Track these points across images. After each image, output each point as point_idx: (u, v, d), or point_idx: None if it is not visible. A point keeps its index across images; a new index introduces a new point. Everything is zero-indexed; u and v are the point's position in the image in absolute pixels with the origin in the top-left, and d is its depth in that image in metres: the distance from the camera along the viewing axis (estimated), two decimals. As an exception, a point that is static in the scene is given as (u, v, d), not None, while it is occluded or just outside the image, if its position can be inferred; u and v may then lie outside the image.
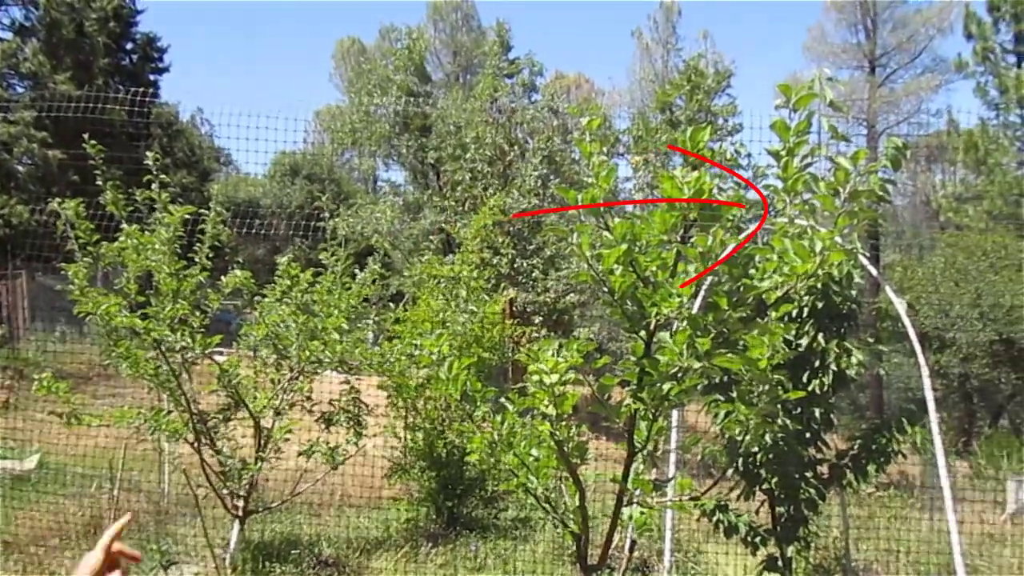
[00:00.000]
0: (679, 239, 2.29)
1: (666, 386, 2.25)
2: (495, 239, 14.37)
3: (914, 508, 8.99)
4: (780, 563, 5.70)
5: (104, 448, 8.01)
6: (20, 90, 23.51)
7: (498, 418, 2.60)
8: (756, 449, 5.43)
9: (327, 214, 7.31)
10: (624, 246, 2.26)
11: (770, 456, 5.27)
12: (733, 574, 6.39)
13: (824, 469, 5.63)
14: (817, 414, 5.34)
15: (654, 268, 2.32)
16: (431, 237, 9.39)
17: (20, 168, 22.30)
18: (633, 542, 2.64)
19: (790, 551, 5.65)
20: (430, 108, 23.43)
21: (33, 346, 16.10)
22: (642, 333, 2.32)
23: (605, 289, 2.31)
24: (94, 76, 23.36)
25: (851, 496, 8.33)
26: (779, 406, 5.34)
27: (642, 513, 2.44)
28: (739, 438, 5.37)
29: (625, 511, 2.49)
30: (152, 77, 26.80)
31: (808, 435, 5.43)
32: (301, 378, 6.56)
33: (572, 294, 17.98)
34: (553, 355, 2.14)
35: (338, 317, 6.27)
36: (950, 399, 18.15)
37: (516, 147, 21.06)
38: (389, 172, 35.32)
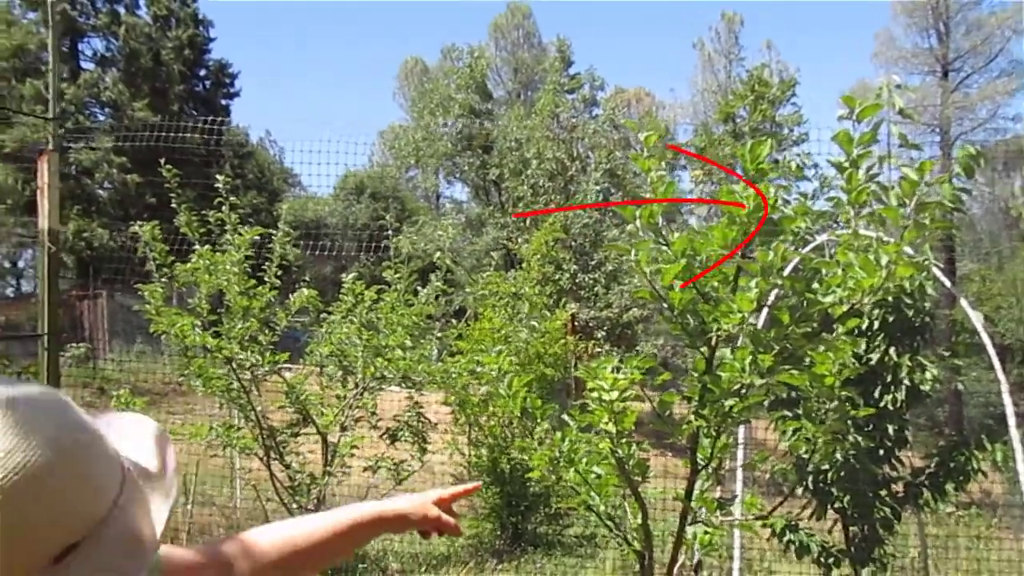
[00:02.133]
0: (740, 254, 2.26)
1: (728, 403, 2.21)
2: (556, 254, 14.37)
3: (998, 528, 8.59)
4: (854, 585, 5.52)
5: (178, 463, 8.26)
6: (101, 118, 24.60)
7: (559, 435, 2.60)
8: (827, 467, 5.29)
9: (390, 231, 7.41)
10: (683, 261, 2.25)
11: (841, 474, 5.13)
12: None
13: (899, 487, 5.45)
14: (890, 431, 5.17)
15: (715, 283, 2.30)
16: (492, 253, 9.44)
17: (101, 192, 23.32)
18: (699, 562, 2.59)
19: (865, 573, 5.47)
20: (491, 126, 23.66)
21: (113, 364, 16.72)
22: (703, 349, 2.30)
23: (665, 305, 2.29)
24: (170, 102, 24.33)
25: (929, 516, 8.02)
26: (849, 423, 5.19)
27: (707, 532, 2.40)
28: (807, 456, 5.25)
29: (689, 530, 2.45)
30: (224, 102, 27.76)
31: (881, 452, 5.27)
32: (366, 394, 6.66)
33: (635, 308, 17.83)
34: (612, 372, 2.14)
35: (401, 334, 6.36)
36: (1035, 415, 17.28)
37: (577, 162, 21.09)
38: (452, 189, 35.79)
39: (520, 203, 20.51)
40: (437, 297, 7.12)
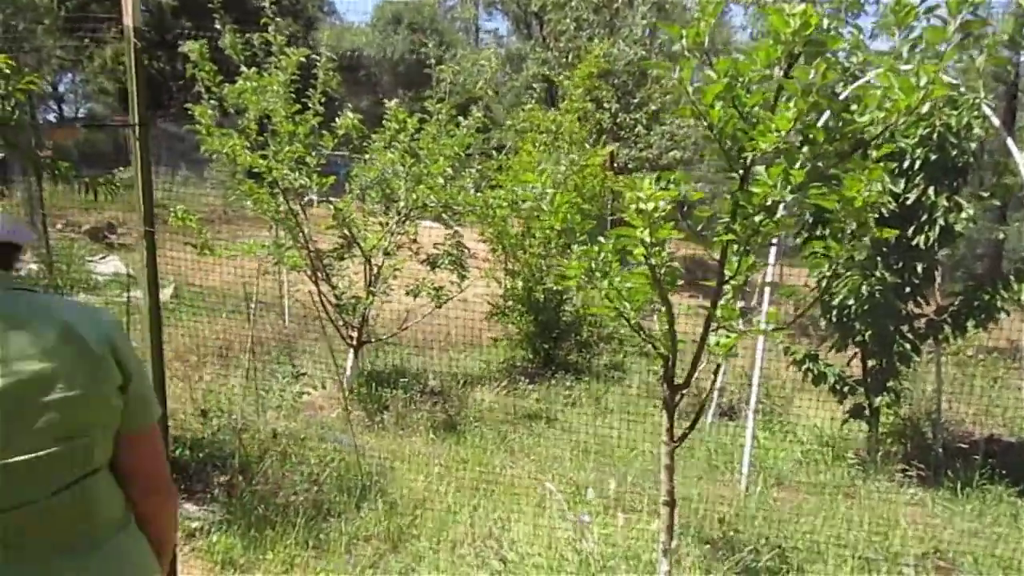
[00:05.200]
0: (782, 74, 2.32)
1: (758, 218, 2.35)
2: (599, 92, 14.06)
3: (1017, 373, 8.84)
4: (867, 412, 5.84)
5: (230, 283, 8.70)
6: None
7: (595, 247, 2.77)
8: (851, 301, 5.48)
9: (432, 61, 7.34)
10: (725, 81, 2.31)
11: (866, 307, 5.30)
12: (819, 423, 6.58)
13: (921, 324, 5.63)
14: (919, 268, 5.29)
15: (755, 104, 2.37)
16: (534, 86, 9.22)
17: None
18: (718, 366, 2.82)
19: (877, 401, 5.77)
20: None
21: (160, 191, 17.06)
22: (740, 169, 2.41)
23: (705, 124, 2.38)
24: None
25: (953, 358, 8.26)
26: (879, 259, 5.32)
27: (728, 337, 2.61)
28: (834, 289, 5.42)
29: (712, 337, 2.66)
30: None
31: (908, 290, 5.41)
32: (407, 223, 6.89)
33: (675, 151, 17.60)
34: (651, 185, 2.27)
35: (443, 163, 6.49)
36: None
37: (624, -7, 20.15)
38: (491, 22, 34.48)
39: (563, 37, 19.81)
40: (479, 129, 7.17)
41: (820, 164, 2.28)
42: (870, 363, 5.81)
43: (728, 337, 2.61)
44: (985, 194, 5.21)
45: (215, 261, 7.75)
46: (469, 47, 29.40)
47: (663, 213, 2.29)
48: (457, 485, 4.44)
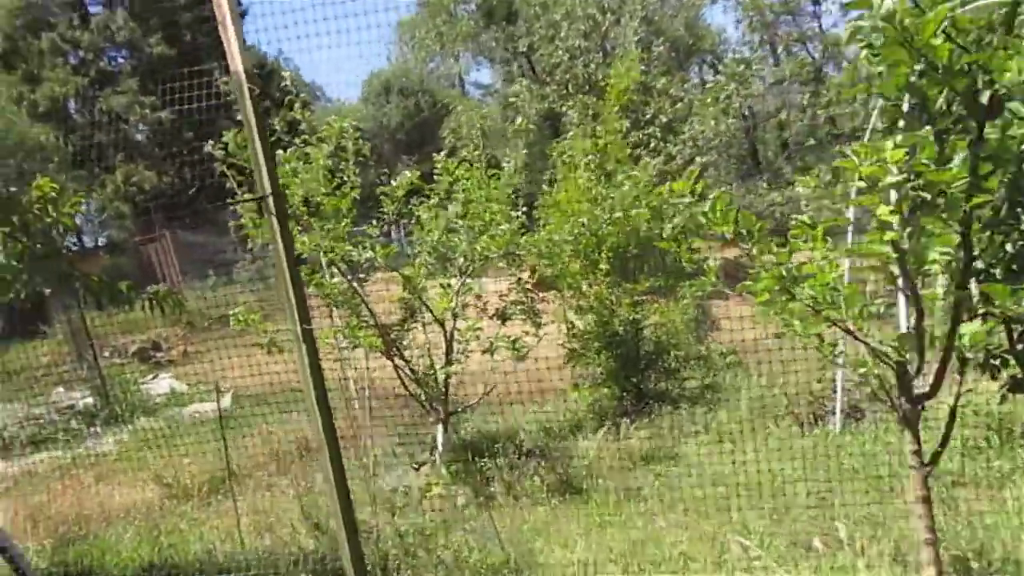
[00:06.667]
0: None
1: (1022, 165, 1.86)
2: (635, 100, 13.62)
3: None
4: (1026, 383, 5.23)
5: (283, 379, 8.25)
6: (121, 60, 24.08)
7: (785, 251, 2.30)
8: (982, 264, 4.92)
9: (459, 108, 6.99)
10: (944, 6, 1.85)
11: (1013, 268, 4.73)
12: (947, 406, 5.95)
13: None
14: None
15: (981, 25, 1.90)
16: (570, 113, 8.77)
17: (139, 136, 23.09)
18: (965, 361, 2.32)
19: (1037, 370, 5.16)
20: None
21: (192, 299, 16.83)
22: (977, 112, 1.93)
23: (922, 65, 1.91)
24: (181, 32, 23.61)
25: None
26: (1019, 208, 4.77)
27: (985, 323, 2.12)
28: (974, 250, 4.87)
29: (963, 327, 2.17)
30: (234, 23, 26.84)
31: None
32: (470, 279, 6.46)
33: (699, 156, 17.14)
34: (893, 147, 1.79)
35: (498, 209, 6.09)
36: None
37: (609, 14, 20.01)
38: (477, 74, 34.56)
39: (557, 69, 19.59)
40: (519, 170, 6.79)
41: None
42: (1015, 328, 5.21)
43: (985, 323, 2.11)
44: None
45: (264, 360, 7.34)
46: (464, 100, 29.39)
47: (912, 183, 1.81)
48: (614, 557, 3.90)
